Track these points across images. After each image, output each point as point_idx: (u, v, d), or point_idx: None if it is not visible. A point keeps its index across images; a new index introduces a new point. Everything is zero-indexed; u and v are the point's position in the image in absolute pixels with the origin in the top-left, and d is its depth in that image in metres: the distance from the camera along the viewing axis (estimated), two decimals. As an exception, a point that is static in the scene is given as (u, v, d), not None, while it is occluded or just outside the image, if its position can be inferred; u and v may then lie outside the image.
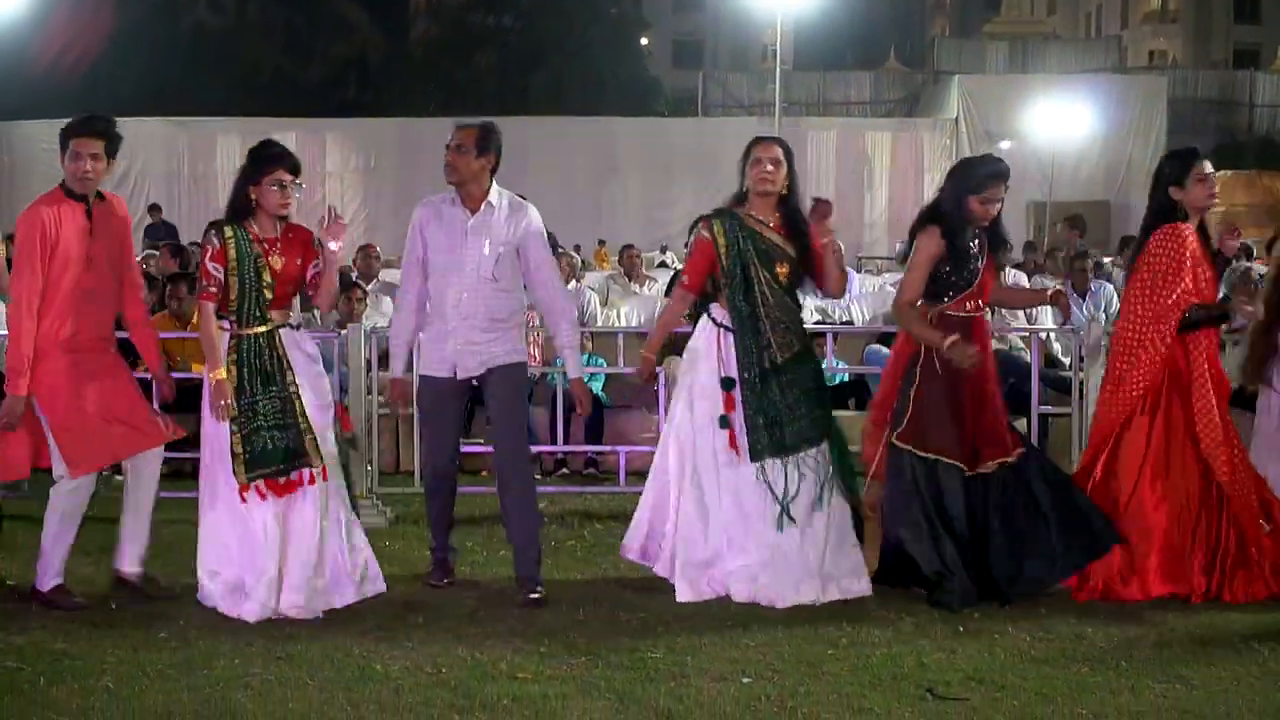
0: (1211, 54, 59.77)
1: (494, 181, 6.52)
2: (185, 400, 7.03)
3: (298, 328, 6.40)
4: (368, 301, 11.07)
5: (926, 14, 75.37)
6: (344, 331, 8.57)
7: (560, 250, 12.89)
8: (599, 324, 11.78)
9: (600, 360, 10.07)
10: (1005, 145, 34.14)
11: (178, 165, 33.92)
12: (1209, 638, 5.75)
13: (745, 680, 5.20)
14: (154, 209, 26.67)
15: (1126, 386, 6.44)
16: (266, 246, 6.18)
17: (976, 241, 6.52)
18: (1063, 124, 32.51)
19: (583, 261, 14.67)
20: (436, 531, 6.82)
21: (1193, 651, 5.57)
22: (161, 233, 23.00)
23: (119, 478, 9.21)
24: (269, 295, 6.18)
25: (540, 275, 6.56)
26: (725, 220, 6.47)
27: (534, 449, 9.30)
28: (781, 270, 6.41)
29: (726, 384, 6.38)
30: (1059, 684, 5.16)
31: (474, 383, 6.60)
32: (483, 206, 6.44)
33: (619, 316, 13.07)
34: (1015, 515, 6.42)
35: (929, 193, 34.38)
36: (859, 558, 6.48)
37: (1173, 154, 6.75)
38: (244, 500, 6.08)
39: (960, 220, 6.46)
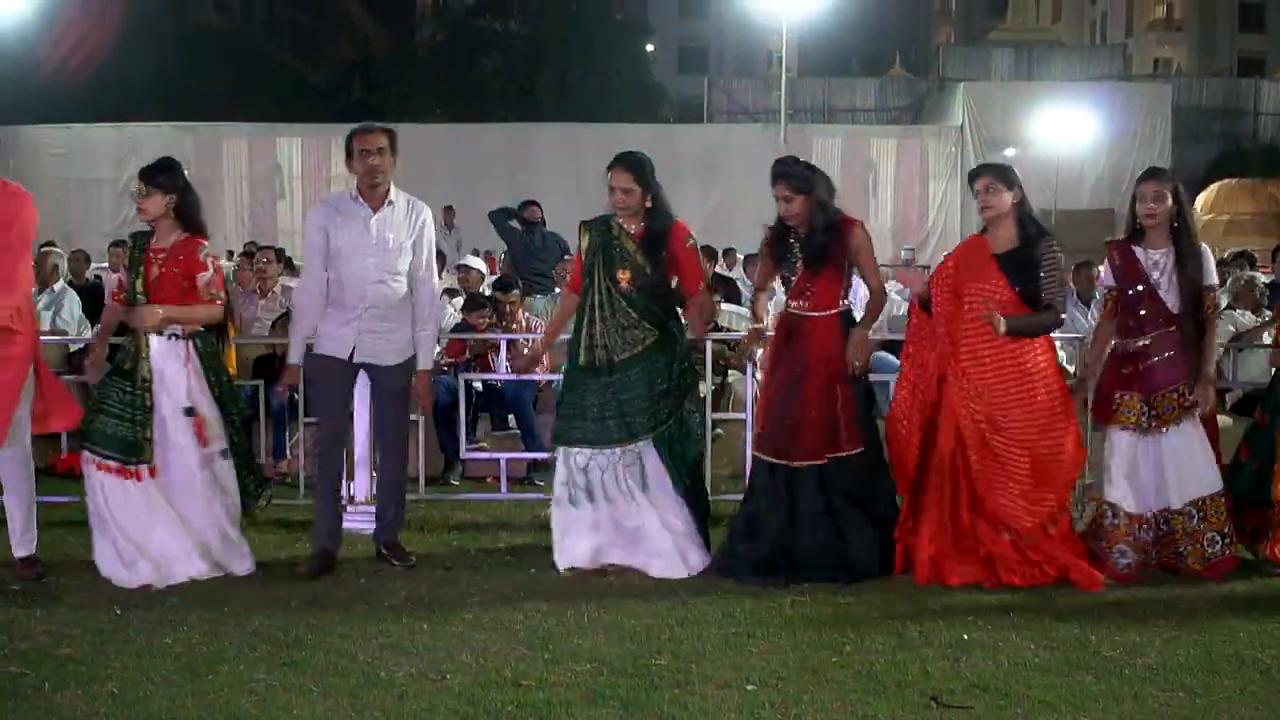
0: (1216, 62, 59.75)
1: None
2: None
3: (179, 338, 6.83)
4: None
5: (932, 21, 75.41)
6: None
7: (568, 257, 12.92)
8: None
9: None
10: (1010, 152, 34.14)
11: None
12: (1213, 647, 5.74)
13: (750, 687, 5.21)
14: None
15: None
16: (153, 256, 6.83)
17: (797, 244, 6.93)
18: (1067, 131, 32.49)
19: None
20: (325, 517, 7.12)
21: (1197, 660, 5.57)
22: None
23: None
24: (142, 301, 6.81)
25: (420, 274, 7.08)
26: (596, 225, 7.00)
27: (541, 455, 9.34)
28: (623, 276, 6.84)
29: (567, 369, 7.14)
30: (1062, 692, 5.17)
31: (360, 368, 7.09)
32: (384, 204, 6.98)
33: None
34: (838, 507, 6.89)
35: (933, 200, 34.56)
36: (667, 545, 6.90)
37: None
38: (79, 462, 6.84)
39: (778, 223, 7.02)
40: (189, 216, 6.91)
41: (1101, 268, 6.89)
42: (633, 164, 6.91)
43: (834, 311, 6.95)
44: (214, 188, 32.51)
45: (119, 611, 6.21)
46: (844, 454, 6.89)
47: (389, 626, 6.00)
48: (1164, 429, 6.86)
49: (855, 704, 5.03)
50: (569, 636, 5.86)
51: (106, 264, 16.96)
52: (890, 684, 5.26)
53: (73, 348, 10.33)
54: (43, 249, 13.01)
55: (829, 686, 5.23)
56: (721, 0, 57.26)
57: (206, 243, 6.94)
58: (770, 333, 7.25)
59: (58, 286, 12.63)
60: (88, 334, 10.14)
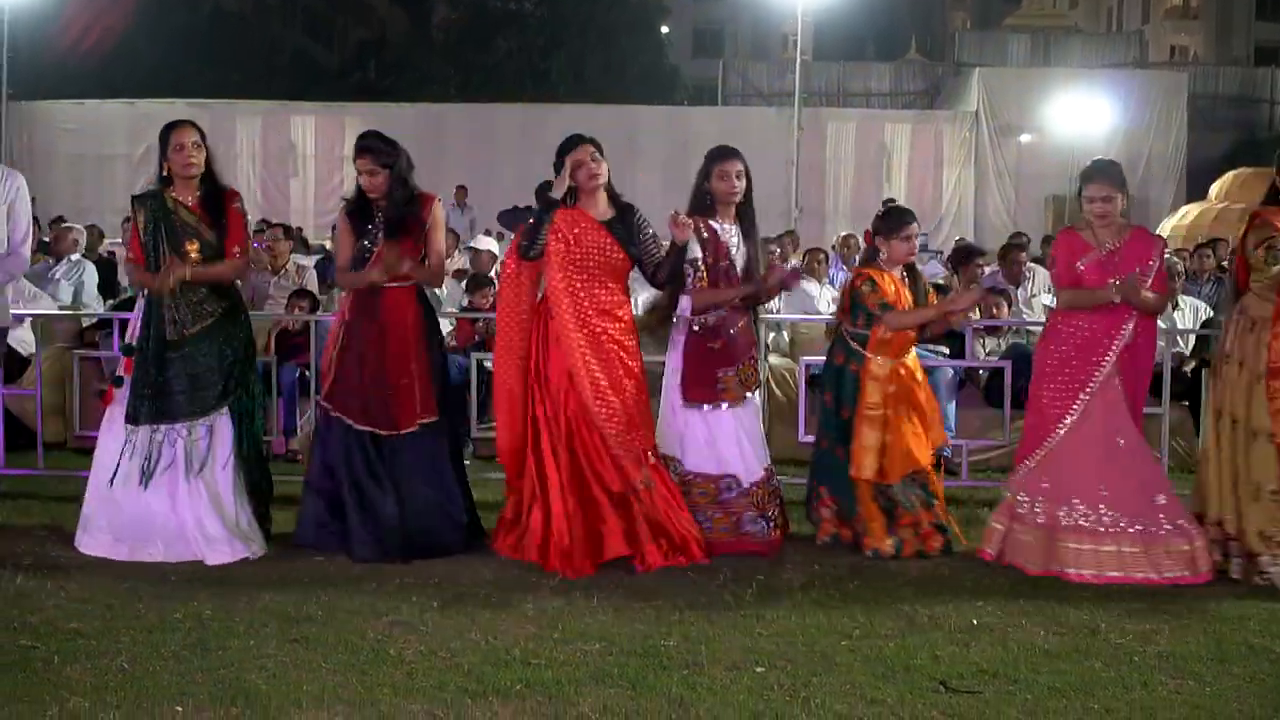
0: (1233, 50, 59.49)
1: None
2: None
3: None
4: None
5: (948, 6, 75.12)
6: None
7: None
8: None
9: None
10: (1025, 139, 34.12)
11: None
12: (1223, 635, 5.74)
13: (758, 670, 5.21)
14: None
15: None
16: None
17: (379, 215, 6.99)
18: (1083, 118, 32.39)
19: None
20: None
21: (1206, 648, 5.56)
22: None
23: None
24: None
25: (14, 240, 7.32)
26: (148, 201, 6.94)
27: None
28: (190, 248, 6.84)
29: (125, 349, 7.00)
30: (1071, 678, 5.16)
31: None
32: None
33: (636, 305, 13.03)
34: (421, 479, 6.98)
35: (947, 185, 34.37)
36: (246, 522, 6.99)
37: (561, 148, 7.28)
38: None
39: (354, 197, 7.06)
40: None
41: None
42: (191, 121, 7.05)
43: (411, 283, 7.04)
44: (227, 165, 32.23)
45: (129, 586, 6.24)
46: (426, 421, 6.98)
47: (398, 604, 6.01)
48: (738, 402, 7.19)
49: (864, 687, 5.03)
50: (578, 616, 5.87)
51: (120, 239, 16.99)
52: (899, 668, 5.26)
53: (85, 323, 10.34)
54: (52, 224, 13.01)
55: (837, 670, 5.23)
56: (737, -17, 57.16)
57: None
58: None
59: (74, 256, 12.69)
60: (101, 309, 10.14)
